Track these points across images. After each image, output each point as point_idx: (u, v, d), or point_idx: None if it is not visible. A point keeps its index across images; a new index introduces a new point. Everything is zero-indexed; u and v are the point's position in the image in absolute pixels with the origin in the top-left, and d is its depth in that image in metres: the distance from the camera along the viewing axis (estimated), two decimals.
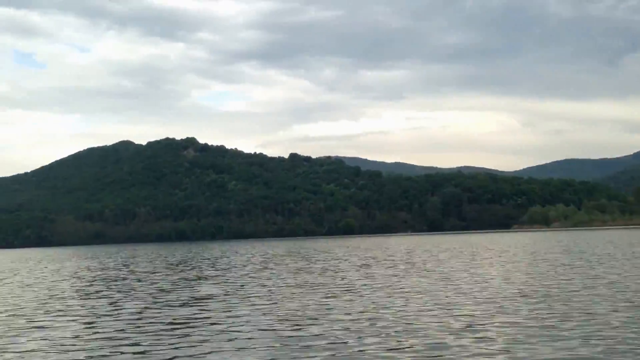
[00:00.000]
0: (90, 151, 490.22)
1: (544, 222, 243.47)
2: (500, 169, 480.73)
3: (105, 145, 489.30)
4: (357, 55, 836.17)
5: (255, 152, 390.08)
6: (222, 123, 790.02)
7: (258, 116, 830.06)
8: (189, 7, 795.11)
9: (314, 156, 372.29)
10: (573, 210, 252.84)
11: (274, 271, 43.29)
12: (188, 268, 52.35)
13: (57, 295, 31.87)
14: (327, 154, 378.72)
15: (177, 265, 58.54)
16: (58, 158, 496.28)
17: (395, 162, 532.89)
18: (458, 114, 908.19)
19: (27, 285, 39.72)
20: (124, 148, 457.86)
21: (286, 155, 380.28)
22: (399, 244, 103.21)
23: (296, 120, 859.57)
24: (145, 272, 48.40)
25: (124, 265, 62.29)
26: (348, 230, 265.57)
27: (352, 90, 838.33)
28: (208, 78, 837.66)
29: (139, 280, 39.49)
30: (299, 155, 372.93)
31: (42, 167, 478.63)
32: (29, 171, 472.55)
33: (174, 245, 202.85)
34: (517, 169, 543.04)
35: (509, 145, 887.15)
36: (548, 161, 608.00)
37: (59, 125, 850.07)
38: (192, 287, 32.89)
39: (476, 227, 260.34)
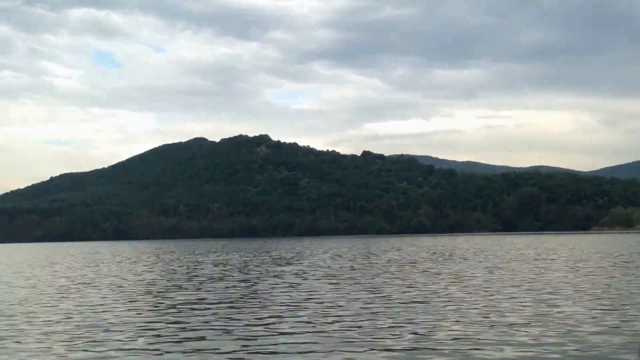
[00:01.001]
0: (166, 148, 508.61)
1: (626, 224, 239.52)
2: (576, 169, 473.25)
3: (180, 142, 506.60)
4: (431, 54, 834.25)
5: (327, 150, 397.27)
6: (293, 121, 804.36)
7: (329, 114, 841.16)
8: (265, 5, 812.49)
9: (385, 154, 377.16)
10: None
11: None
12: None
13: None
14: (397, 153, 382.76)
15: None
16: (134, 154, 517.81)
17: (467, 161, 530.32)
18: (534, 113, 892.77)
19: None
20: (198, 145, 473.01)
21: (358, 153, 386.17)
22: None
23: (367, 119, 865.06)
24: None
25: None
26: (419, 229, 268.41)
27: (424, 89, 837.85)
28: (280, 77, 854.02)
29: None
30: (372, 153, 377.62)
31: (120, 163, 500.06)
32: (107, 167, 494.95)
33: (255, 241, 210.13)
34: (595, 169, 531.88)
35: (586, 144, 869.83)
36: (628, 161, 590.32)
37: (135, 123, 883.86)
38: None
39: (553, 228, 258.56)
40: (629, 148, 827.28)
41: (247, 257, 72.05)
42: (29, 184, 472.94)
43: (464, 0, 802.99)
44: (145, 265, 58.22)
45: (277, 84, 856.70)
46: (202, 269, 50.79)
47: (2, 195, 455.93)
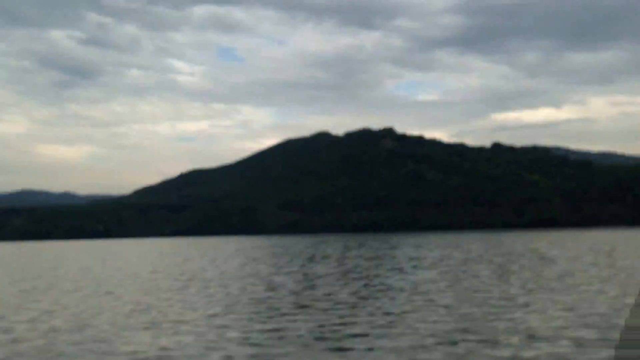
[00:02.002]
0: (289, 143, 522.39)
1: None
2: None
3: (303, 137, 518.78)
4: (564, 37, 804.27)
5: (454, 142, 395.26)
6: (415, 113, 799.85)
7: (453, 105, 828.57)
8: None
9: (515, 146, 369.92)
10: None
11: None
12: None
13: None
14: (525, 143, 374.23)
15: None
16: (258, 149, 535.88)
17: (602, 152, 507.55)
18: None
19: None
20: (322, 139, 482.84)
21: (484, 145, 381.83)
22: None
23: (493, 109, 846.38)
24: None
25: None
26: (550, 223, 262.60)
27: (555, 75, 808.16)
28: (402, 67, 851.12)
29: None
30: (502, 144, 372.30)
31: (244, 159, 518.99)
32: (232, 162, 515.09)
33: (385, 236, 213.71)
34: None
35: None
36: None
37: (257, 118, 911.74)
38: None
39: None
40: None
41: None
42: (160, 180, 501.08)
43: None
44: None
45: (400, 74, 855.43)
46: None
47: (136, 190, 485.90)
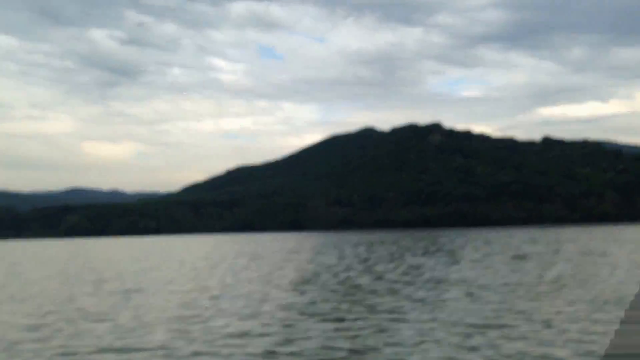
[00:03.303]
0: (335, 139, 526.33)
1: None
2: None
3: (349, 133, 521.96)
4: (611, 32, 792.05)
5: (503, 137, 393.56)
6: (460, 108, 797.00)
7: (498, 100, 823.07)
8: None
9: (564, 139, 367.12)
10: None
11: None
12: None
13: None
14: (573, 137, 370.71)
15: None
16: (303, 145, 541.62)
17: None
18: None
19: None
20: (367, 135, 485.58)
21: (530, 139, 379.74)
22: None
23: (539, 104, 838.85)
24: None
25: None
26: (603, 218, 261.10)
27: (601, 69, 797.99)
28: (444, 63, 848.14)
29: None
30: (552, 138, 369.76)
31: (290, 155, 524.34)
32: (278, 158, 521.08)
33: (443, 231, 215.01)
34: None
35: None
36: None
37: (300, 115, 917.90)
38: None
39: None
40: None
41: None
42: (207, 177, 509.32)
43: None
44: None
45: (443, 71, 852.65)
46: None
47: (184, 188, 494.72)
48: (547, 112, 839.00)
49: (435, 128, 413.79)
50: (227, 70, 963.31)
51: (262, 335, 22.84)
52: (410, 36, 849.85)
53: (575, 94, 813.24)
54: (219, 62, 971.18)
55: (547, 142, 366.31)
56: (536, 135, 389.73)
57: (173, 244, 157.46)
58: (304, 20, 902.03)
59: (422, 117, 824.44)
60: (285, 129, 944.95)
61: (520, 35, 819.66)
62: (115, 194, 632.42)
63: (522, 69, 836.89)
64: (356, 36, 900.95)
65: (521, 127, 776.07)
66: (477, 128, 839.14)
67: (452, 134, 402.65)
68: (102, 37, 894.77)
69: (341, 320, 25.39)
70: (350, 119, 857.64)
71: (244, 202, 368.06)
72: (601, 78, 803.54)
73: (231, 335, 22.81)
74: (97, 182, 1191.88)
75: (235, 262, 68.64)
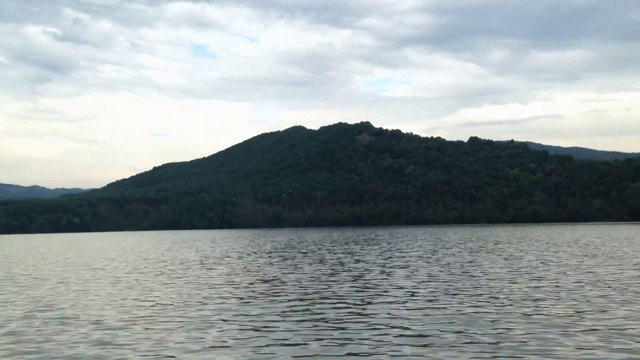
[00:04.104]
0: (263, 137, 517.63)
1: None
2: None
3: (278, 131, 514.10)
4: (531, 36, 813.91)
5: (432, 137, 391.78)
6: (387, 108, 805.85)
7: (423, 101, 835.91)
8: None
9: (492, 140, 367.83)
10: None
11: None
12: None
13: None
14: (496, 139, 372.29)
15: None
16: (232, 144, 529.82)
17: (573, 147, 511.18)
18: None
19: None
20: (297, 133, 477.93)
21: (454, 140, 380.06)
22: None
23: (462, 105, 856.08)
24: None
25: None
26: (535, 218, 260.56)
27: (522, 72, 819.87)
28: (372, 64, 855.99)
29: None
30: (479, 139, 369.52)
31: (219, 153, 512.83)
32: (206, 156, 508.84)
33: (376, 229, 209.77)
34: None
35: None
36: None
37: (231, 113, 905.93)
38: None
39: None
40: None
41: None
42: (134, 174, 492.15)
43: None
44: None
45: (369, 71, 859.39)
46: None
47: (110, 184, 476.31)
48: (470, 113, 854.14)
49: (365, 127, 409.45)
50: (159, 68, 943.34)
51: None
52: (339, 37, 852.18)
53: (497, 96, 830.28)
54: (151, 60, 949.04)
55: (475, 142, 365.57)
56: (460, 136, 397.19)
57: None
58: (238, 21, 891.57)
59: (351, 117, 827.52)
60: (216, 127, 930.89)
61: (445, 38, 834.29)
62: (35, 189, 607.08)
63: (446, 70, 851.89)
64: (287, 37, 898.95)
65: (446, 128, 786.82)
66: (404, 128, 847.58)
67: (381, 133, 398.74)
68: (36, 33, 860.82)
69: None
70: (280, 117, 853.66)
71: (171, 199, 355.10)
72: (522, 81, 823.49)
73: None
74: (16, 178, 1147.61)
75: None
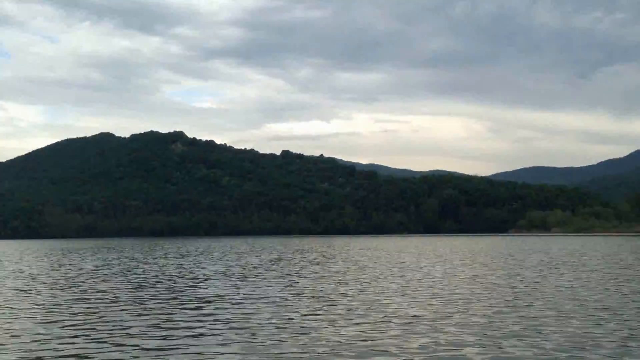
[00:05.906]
0: (69, 142, 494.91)
1: (543, 227, 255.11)
2: (471, 174, 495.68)
3: (85, 137, 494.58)
4: (336, 57, 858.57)
5: (246, 148, 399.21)
6: (196, 119, 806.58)
7: (229, 113, 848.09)
8: (174, 1, 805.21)
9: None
10: (569, 216, 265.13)
11: None
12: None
13: None
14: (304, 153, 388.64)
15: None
16: (31, 149, 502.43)
17: (370, 164, 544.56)
18: (429, 118, 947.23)
19: None
20: (106, 140, 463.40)
21: (274, 152, 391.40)
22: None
23: (267, 119, 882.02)
24: None
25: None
26: (344, 230, 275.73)
27: (325, 91, 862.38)
28: (180, 74, 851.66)
29: None
30: (291, 152, 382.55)
31: (19, 157, 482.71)
32: (3, 161, 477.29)
33: (186, 240, 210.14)
34: (486, 175, 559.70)
35: (477, 151, 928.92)
36: (516, 168, 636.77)
37: (25, 116, 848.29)
38: None
39: (472, 231, 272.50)
40: (515, 155, 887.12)
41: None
42: None
43: (377, 6, 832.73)
44: None
45: (177, 81, 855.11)
46: None
47: None
48: (277, 127, 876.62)
49: (178, 137, 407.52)
50: None
51: None
52: (147, 45, 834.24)
53: (302, 113, 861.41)
54: None
55: (287, 156, 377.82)
56: (268, 150, 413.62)
57: None
58: (37, 19, 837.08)
59: (162, 126, 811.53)
60: (7, 131, 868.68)
61: (254, 52, 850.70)
62: None
63: (254, 84, 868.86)
64: (91, 40, 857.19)
65: (254, 141, 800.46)
66: (216, 140, 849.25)
67: (195, 143, 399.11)
68: None
69: None
70: (82, 123, 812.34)
71: None
72: (324, 99, 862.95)
73: None
74: None
75: None
